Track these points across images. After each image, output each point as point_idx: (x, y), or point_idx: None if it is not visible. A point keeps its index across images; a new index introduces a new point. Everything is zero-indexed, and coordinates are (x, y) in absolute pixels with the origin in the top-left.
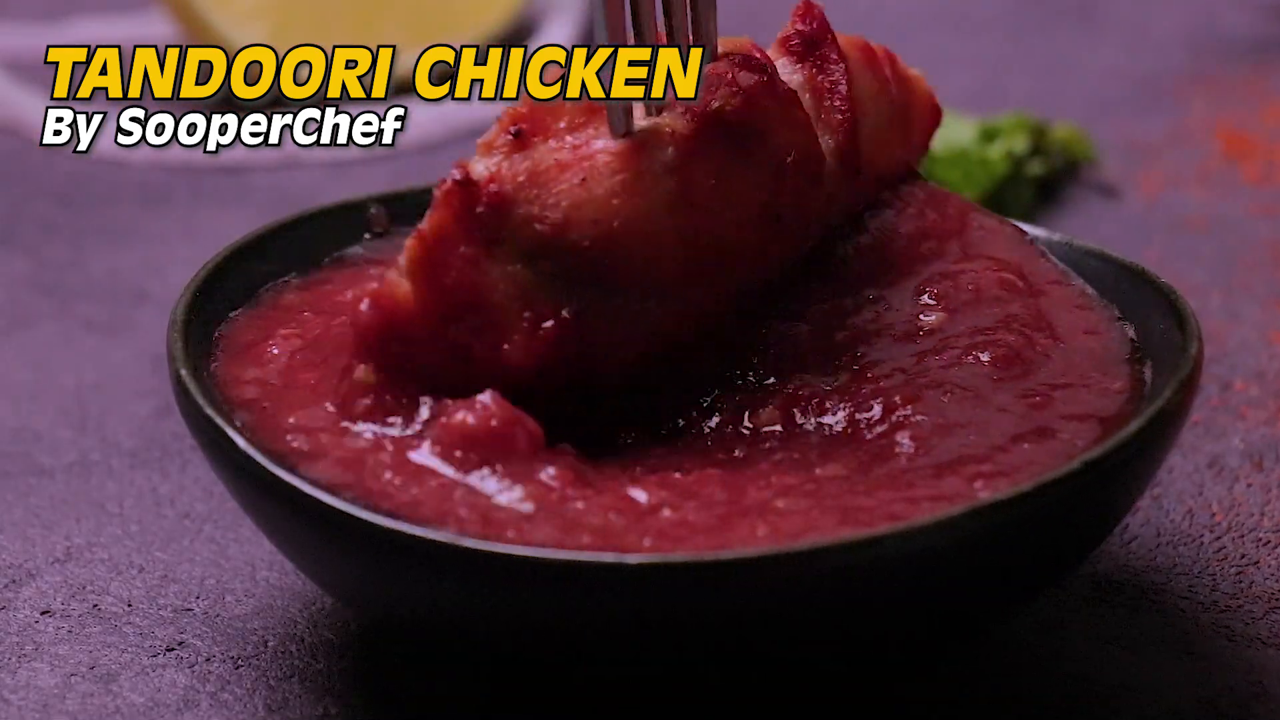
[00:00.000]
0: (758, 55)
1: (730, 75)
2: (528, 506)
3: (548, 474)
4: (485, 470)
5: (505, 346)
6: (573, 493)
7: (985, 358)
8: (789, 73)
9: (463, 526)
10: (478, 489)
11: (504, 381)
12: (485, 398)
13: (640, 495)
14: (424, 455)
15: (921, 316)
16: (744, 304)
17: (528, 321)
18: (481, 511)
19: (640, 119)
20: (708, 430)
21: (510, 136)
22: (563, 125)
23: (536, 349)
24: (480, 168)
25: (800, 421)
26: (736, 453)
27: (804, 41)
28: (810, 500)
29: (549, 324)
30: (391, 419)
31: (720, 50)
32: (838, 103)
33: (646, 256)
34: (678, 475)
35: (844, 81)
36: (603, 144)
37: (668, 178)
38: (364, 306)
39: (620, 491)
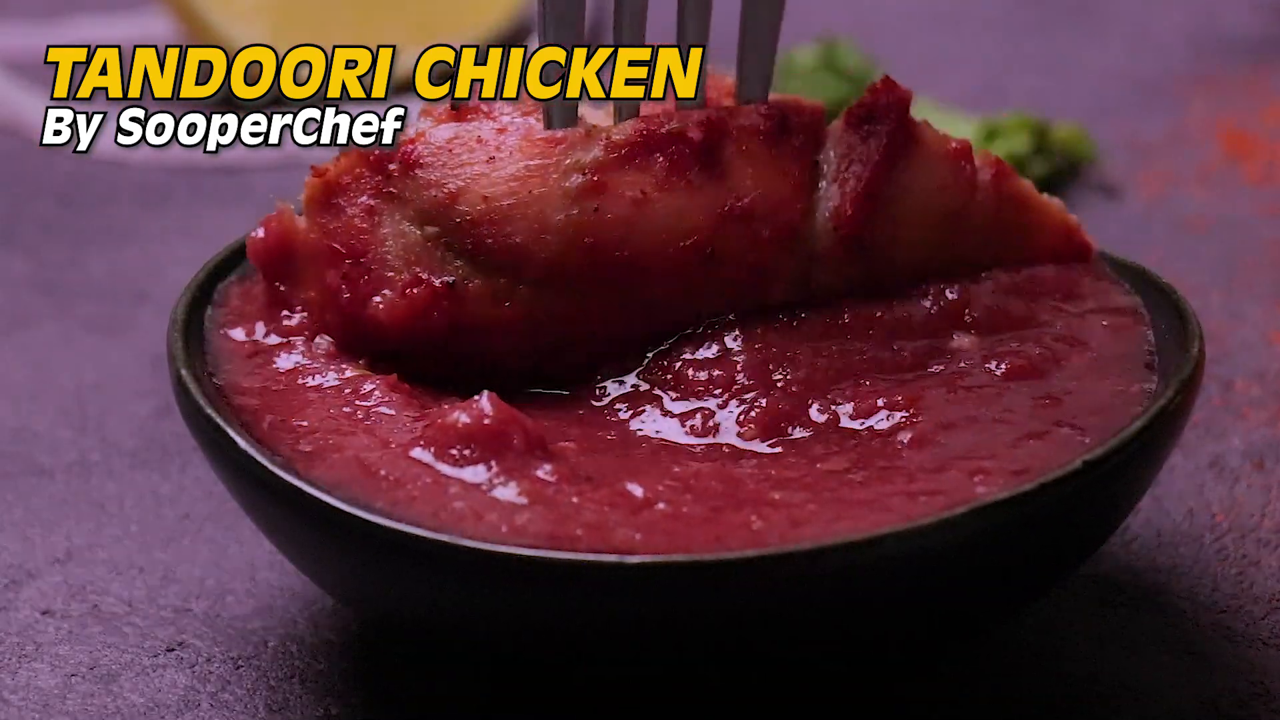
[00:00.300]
0: (803, 112)
1: (725, 112)
2: (522, 501)
3: (544, 470)
4: (480, 467)
5: (375, 300)
6: (569, 488)
7: (1000, 368)
8: (839, 136)
9: (455, 521)
10: (472, 485)
11: (369, 335)
12: (482, 399)
13: (636, 490)
14: (420, 453)
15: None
16: (678, 324)
17: (403, 283)
18: (474, 506)
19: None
20: (706, 428)
21: (450, 108)
22: (508, 109)
23: (402, 311)
24: (411, 130)
25: (791, 432)
26: (735, 446)
27: (863, 112)
28: (807, 493)
29: (419, 289)
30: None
31: (771, 97)
32: (858, 170)
33: (529, 242)
34: (676, 469)
35: (879, 156)
36: (526, 131)
37: (577, 175)
38: (258, 231)
39: (617, 486)
